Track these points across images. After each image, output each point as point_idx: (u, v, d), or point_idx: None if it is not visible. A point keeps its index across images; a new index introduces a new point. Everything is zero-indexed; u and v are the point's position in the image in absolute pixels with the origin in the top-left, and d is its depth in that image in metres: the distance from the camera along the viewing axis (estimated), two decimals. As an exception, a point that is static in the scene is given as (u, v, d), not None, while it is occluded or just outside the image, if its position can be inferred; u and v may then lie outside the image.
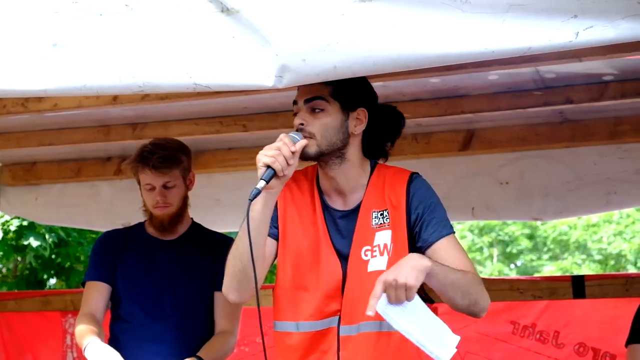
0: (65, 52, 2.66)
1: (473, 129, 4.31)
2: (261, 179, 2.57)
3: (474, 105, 3.89)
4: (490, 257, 25.47)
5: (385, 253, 2.71)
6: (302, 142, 2.67)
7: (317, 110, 2.75)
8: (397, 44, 2.28)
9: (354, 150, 2.81)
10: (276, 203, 2.79)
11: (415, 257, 2.50)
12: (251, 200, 2.56)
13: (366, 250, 2.74)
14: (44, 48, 2.70)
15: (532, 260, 24.80)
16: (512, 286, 4.50)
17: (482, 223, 23.58)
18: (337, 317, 2.73)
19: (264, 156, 2.58)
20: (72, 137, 4.71)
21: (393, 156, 4.29)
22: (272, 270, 2.85)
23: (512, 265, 25.39)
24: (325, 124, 2.75)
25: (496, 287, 4.51)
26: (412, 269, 2.43)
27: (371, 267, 2.71)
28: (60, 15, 2.70)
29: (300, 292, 2.79)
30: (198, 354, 3.38)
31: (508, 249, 25.05)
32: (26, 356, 5.33)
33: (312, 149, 2.72)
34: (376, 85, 3.60)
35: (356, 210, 2.79)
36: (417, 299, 2.44)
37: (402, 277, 2.40)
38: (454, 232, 2.74)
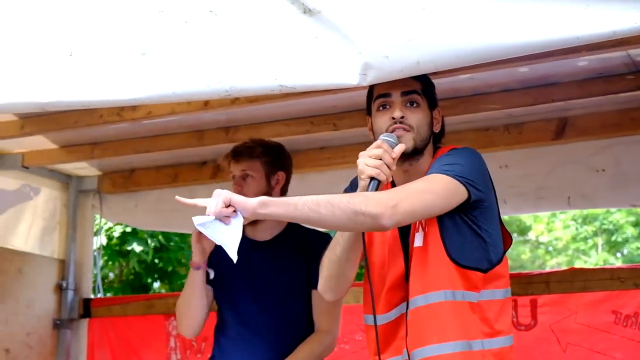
0: (153, 61, 2.73)
1: (565, 117, 4.23)
2: (369, 191, 2.59)
3: (565, 93, 3.83)
4: (595, 246, 24.98)
5: (420, 228, 2.72)
6: (401, 147, 2.67)
7: (414, 105, 2.76)
8: (479, 35, 2.27)
9: (429, 147, 2.84)
10: None
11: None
12: None
13: (415, 232, 2.74)
14: (133, 58, 2.77)
15: (637, 248, 24.23)
16: (613, 275, 4.40)
17: (585, 212, 23.15)
18: (406, 303, 2.74)
19: (367, 167, 2.59)
20: (167, 143, 4.80)
21: (484, 148, 4.30)
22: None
23: (618, 254, 24.85)
24: (421, 119, 2.78)
25: (597, 277, 4.42)
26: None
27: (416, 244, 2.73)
28: (147, 24, 2.77)
29: (376, 286, 2.81)
30: None
31: (613, 238, 24.53)
32: (132, 359, 5.44)
33: (409, 144, 2.73)
34: (463, 77, 3.62)
35: None
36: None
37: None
38: (445, 174, 2.64)
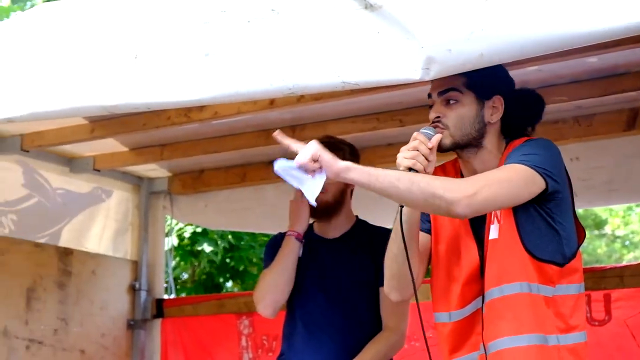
0: (216, 61, 2.75)
1: (636, 107, 4.14)
2: None
3: (635, 83, 3.74)
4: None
5: (495, 220, 2.69)
6: (437, 137, 2.68)
7: (451, 102, 2.75)
8: (544, 26, 2.24)
9: (491, 137, 2.80)
10: None
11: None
12: (402, 207, 2.62)
13: (491, 225, 2.71)
14: (196, 58, 2.79)
15: None
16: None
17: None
18: (481, 297, 2.71)
19: (404, 159, 2.61)
20: (235, 143, 4.82)
21: (554, 140, 4.21)
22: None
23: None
24: (460, 115, 2.75)
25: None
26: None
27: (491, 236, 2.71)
28: (210, 25, 2.79)
29: (448, 282, 2.80)
30: None
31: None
32: (205, 358, 5.49)
33: (447, 140, 2.73)
34: (531, 69, 3.56)
35: None
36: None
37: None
38: (524, 164, 2.61)
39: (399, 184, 2.50)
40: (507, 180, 2.59)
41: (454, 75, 2.63)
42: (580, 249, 2.76)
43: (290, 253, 3.57)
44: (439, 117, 2.75)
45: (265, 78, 2.65)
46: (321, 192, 3.54)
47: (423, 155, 2.62)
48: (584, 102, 4.09)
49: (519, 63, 3.02)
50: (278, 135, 2.66)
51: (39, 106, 3.14)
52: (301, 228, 3.58)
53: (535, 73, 3.71)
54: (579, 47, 2.37)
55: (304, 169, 2.54)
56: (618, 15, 2.15)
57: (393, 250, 2.76)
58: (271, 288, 3.63)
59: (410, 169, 2.59)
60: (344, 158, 3.61)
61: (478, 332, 2.73)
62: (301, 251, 3.63)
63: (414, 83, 2.53)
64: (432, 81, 2.72)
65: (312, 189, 2.56)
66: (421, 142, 2.64)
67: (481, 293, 2.72)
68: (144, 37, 2.93)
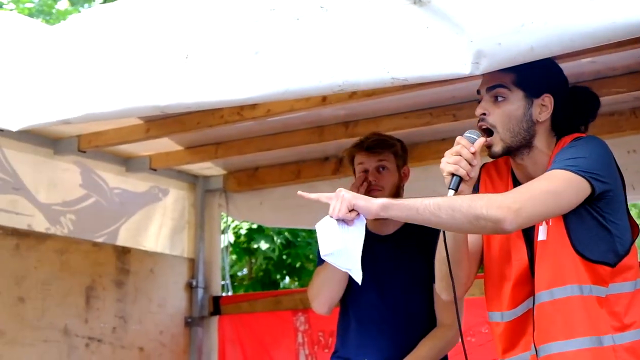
0: (266, 59, 2.76)
1: (697, 98, 4.08)
2: (450, 188, 2.59)
3: (693, 73, 3.69)
4: None
5: (544, 222, 2.64)
6: (480, 141, 2.65)
7: (499, 99, 2.71)
8: (594, 18, 2.21)
9: (541, 137, 2.75)
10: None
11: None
12: None
13: (539, 226, 2.67)
14: (246, 57, 2.81)
15: None
16: None
17: None
18: (532, 298, 2.68)
19: (447, 164, 2.60)
20: (288, 140, 4.83)
21: (610, 133, 4.18)
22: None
23: None
24: (507, 113, 2.70)
25: None
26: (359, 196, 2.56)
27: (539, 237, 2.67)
28: (259, 23, 2.80)
29: (500, 282, 2.78)
30: (406, 359, 3.44)
31: None
32: (262, 355, 5.52)
33: (498, 147, 2.69)
34: (584, 62, 3.52)
35: None
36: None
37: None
38: (569, 170, 2.55)
39: (441, 213, 2.48)
40: (551, 192, 2.54)
41: (503, 71, 2.61)
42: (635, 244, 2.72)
43: None
44: (484, 113, 2.72)
45: (314, 75, 2.65)
46: (378, 189, 3.57)
47: (466, 159, 2.59)
48: (640, 94, 4.03)
49: (573, 55, 2.99)
50: (301, 193, 2.72)
51: (93, 107, 3.18)
52: None
53: (589, 65, 3.66)
54: (633, 38, 2.33)
55: (343, 221, 2.53)
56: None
57: (442, 252, 2.73)
58: (325, 286, 3.65)
59: (453, 175, 2.58)
60: (396, 154, 3.64)
61: (530, 333, 2.70)
62: None
63: (466, 77, 2.51)
64: (482, 77, 2.70)
65: (355, 242, 2.57)
66: (463, 146, 2.61)
67: (532, 294, 2.69)
68: (195, 37, 2.95)
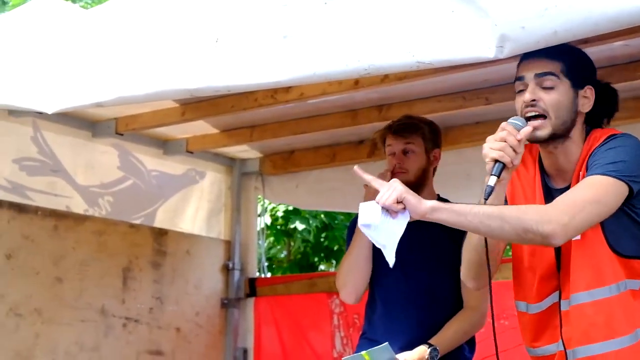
0: (294, 43, 2.79)
1: None
2: (492, 174, 2.56)
3: None
4: None
5: None
6: (527, 129, 2.61)
7: (548, 87, 2.68)
8: (617, 1, 2.19)
9: (577, 128, 2.74)
10: None
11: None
12: (486, 199, 2.56)
13: None
14: (275, 41, 2.83)
15: None
16: None
17: None
18: (558, 292, 2.69)
19: (491, 150, 2.56)
20: (322, 123, 4.85)
21: (636, 118, 4.14)
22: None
23: None
24: (558, 101, 2.67)
25: None
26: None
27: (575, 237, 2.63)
28: (288, 8, 2.82)
29: (526, 273, 2.78)
30: (431, 340, 3.45)
31: None
32: (298, 336, 5.56)
33: (545, 132, 2.66)
34: (617, 44, 3.49)
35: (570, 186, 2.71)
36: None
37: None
38: (610, 175, 2.54)
39: (490, 223, 2.48)
40: (596, 202, 2.53)
41: (551, 59, 2.63)
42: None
43: (363, 238, 3.59)
44: (535, 100, 2.67)
45: (341, 59, 2.67)
46: (402, 172, 3.57)
47: (511, 146, 2.55)
48: (676, 77, 3.99)
49: (605, 38, 2.97)
50: (357, 170, 2.68)
51: (125, 90, 3.23)
52: None
53: (622, 48, 3.64)
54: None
55: (387, 208, 2.53)
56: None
57: (473, 240, 2.72)
58: (350, 275, 3.68)
59: (496, 161, 2.55)
60: (424, 137, 3.64)
61: (556, 326, 2.70)
62: None
63: (499, 60, 2.50)
64: (522, 62, 2.69)
65: (393, 235, 2.58)
66: (509, 132, 2.57)
67: (557, 289, 2.70)
68: (224, 21, 2.98)
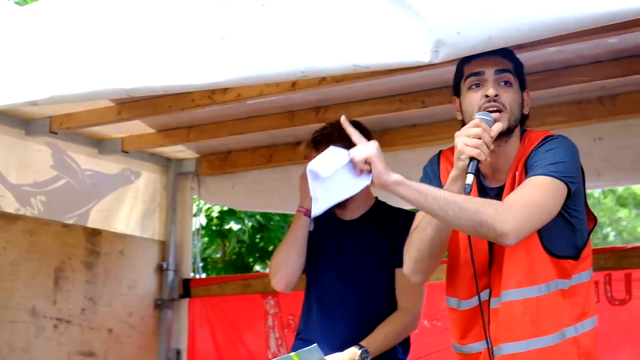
0: (232, 44, 2.78)
1: (661, 87, 4.12)
2: (469, 172, 2.57)
3: (658, 64, 3.72)
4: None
5: None
6: (499, 125, 2.65)
7: (506, 84, 2.72)
8: (551, 8, 2.24)
9: (518, 129, 2.79)
10: (440, 179, 2.82)
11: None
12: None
13: None
14: (213, 42, 2.82)
15: None
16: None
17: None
18: (488, 291, 2.72)
19: (467, 147, 2.57)
20: (260, 124, 4.84)
21: (578, 120, 4.22)
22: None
23: None
24: (514, 99, 2.74)
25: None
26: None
27: None
28: (226, 9, 2.82)
29: (461, 269, 2.81)
30: (362, 342, 3.46)
31: None
32: (232, 337, 5.54)
33: (504, 125, 2.69)
34: (552, 50, 3.55)
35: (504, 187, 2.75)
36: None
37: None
38: (552, 176, 2.59)
39: (448, 209, 2.50)
40: (544, 204, 2.58)
41: (505, 58, 2.70)
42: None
43: (299, 229, 3.62)
44: (497, 95, 2.71)
45: (278, 61, 2.67)
46: None
47: (486, 144, 2.58)
48: (607, 82, 4.07)
49: (540, 44, 3.02)
50: (345, 121, 2.69)
51: (60, 89, 3.19)
52: (310, 204, 3.61)
53: (556, 54, 3.70)
54: (598, 28, 2.36)
55: (354, 163, 2.54)
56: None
57: (428, 232, 2.71)
58: (282, 263, 3.70)
59: (472, 159, 2.57)
60: (344, 145, 3.65)
61: (482, 325, 2.73)
62: (312, 226, 3.68)
63: (435, 64, 2.51)
64: (476, 59, 2.72)
65: (344, 189, 2.57)
66: (484, 130, 2.59)
67: (488, 287, 2.73)
68: (162, 21, 2.96)
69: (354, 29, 2.53)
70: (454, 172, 2.63)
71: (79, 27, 3.21)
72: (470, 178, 2.56)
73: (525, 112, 2.81)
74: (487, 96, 2.71)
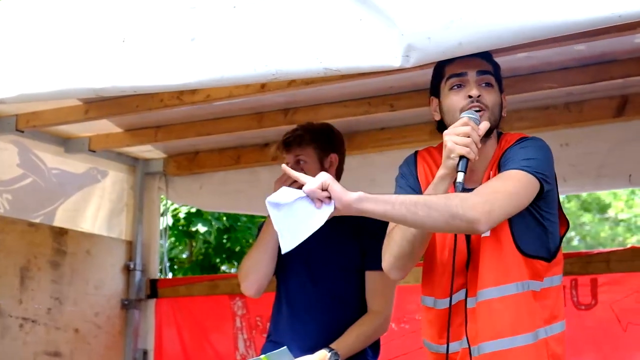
0: (202, 46, 2.78)
1: (627, 94, 4.15)
2: (460, 170, 2.58)
3: (624, 71, 3.75)
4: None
5: None
6: (486, 124, 2.67)
7: (487, 85, 2.75)
8: (520, 15, 2.27)
9: (495, 132, 2.81)
10: (418, 179, 2.83)
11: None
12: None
13: None
14: (183, 43, 2.82)
15: None
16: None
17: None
18: (465, 290, 2.73)
19: (457, 146, 2.57)
20: (228, 126, 4.84)
21: (545, 126, 4.26)
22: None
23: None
24: (495, 100, 2.77)
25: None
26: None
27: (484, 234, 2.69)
28: (197, 10, 2.82)
29: (438, 268, 2.82)
30: (333, 345, 3.46)
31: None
32: (200, 338, 5.53)
33: (488, 125, 2.70)
34: (521, 56, 3.58)
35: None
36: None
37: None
38: (525, 170, 2.61)
39: (417, 210, 2.47)
40: (514, 193, 2.59)
41: (486, 61, 2.73)
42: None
43: (271, 233, 3.60)
44: (480, 95, 2.72)
45: (249, 63, 2.68)
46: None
47: (475, 142, 2.60)
48: (574, 89, 4.11)
49: (509, 50, 3.02)
50: (285, 168, 2.65)
51: (28, 88, 3.17)
52: None
53: (525, 60, 3.73)
54: (566, 35, 2.39)
55: (313, 196, 2.49)
56: (592, 6, 2.17)
57: (410, 230, 2.68)
58: (252, 268, 3.70)
59: (462, 157, 2.58)
60: (313, 147, 3.67)
61: (460, 324, 2.75)
62: None
63: (404, 69, 2.53)
64: (457, 61, 2.71)
65: (311, 224, 2.53)
66: (473, 128, 2.61)
67: (465, 287, 2.74)
68: (132, 21, 2.96)
69: (326, 33, 2.54)
70: (441, 171, 2.63)
71: (47, 25, 3.20)
72: (461, 176, 2.57)
73: (504, 114, 2.83)
74: (470, 96, 2.72)
